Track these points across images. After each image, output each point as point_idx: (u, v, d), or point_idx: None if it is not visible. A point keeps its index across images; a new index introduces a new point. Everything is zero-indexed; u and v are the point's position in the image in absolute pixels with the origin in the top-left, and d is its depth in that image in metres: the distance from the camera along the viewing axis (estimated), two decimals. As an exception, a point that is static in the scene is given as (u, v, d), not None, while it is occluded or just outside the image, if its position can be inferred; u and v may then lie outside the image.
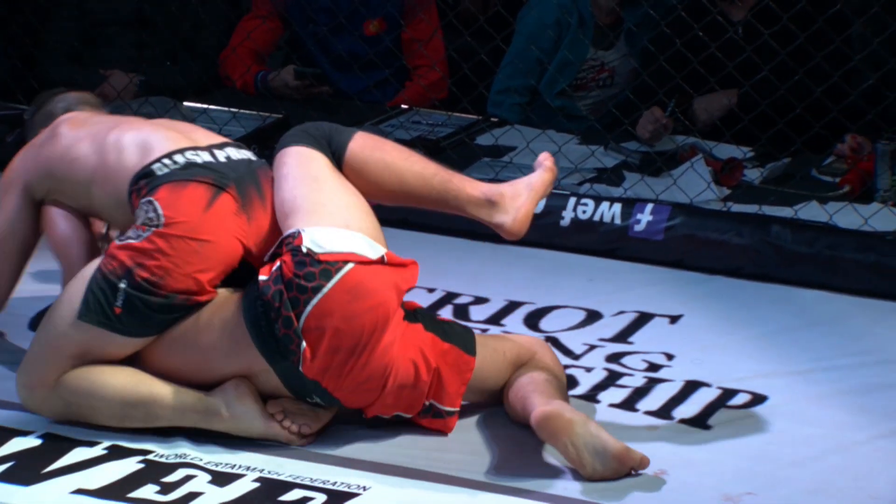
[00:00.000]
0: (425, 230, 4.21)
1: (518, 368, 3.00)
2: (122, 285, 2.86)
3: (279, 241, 2.89)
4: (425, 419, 2.96)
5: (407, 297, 2.96)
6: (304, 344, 2.82)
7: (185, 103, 4.71)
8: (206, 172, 2.95)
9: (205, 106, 4.69)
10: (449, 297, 3.76)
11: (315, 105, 4.81)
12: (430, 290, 3.78)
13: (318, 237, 2.83)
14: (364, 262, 2.83)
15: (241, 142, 4.43)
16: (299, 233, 2.85)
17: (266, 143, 4.48)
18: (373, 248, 2.87)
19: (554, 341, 3.46)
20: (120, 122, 3.18)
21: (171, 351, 2.92)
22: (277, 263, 2.84)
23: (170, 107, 4.60)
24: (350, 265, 2.82)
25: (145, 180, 2.96)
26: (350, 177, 3.00)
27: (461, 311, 3.68)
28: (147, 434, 2.93)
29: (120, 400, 2.90)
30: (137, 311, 2.87)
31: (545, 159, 3.13)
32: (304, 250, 2.81)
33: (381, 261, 2.86)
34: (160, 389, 2.90)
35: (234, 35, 4.98)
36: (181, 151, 2.99)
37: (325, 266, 2.81)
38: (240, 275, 2.95)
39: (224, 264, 2.92)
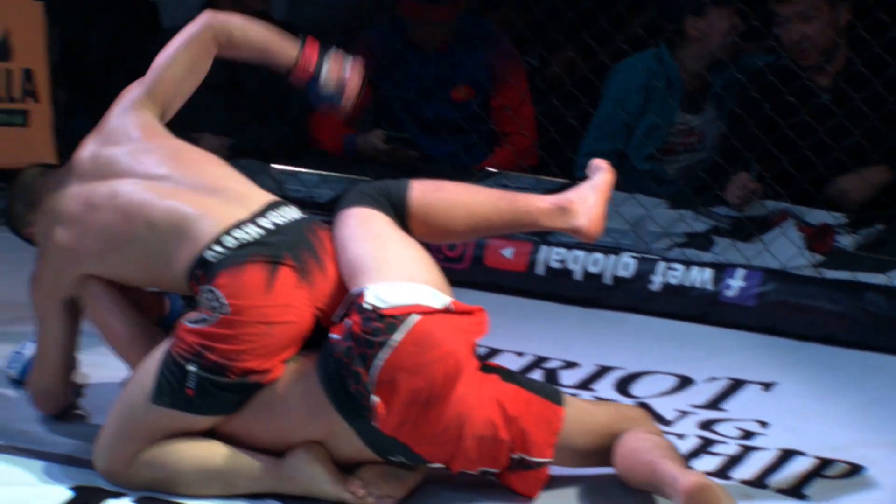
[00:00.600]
0: (513, 293, 4.22)
1: (617, 434, 2.94)
2: (192, 368, 2.87)
3: (346, 300, 2.88)
4: (515, 475, 2.91)
5: (496, 361, 2.95)
6: (375, 398, 2.81)
7: (275, 166, 4.74)
8: (259, 249, 2.91)
9: (294, 168, 4.71)
10: (538, 362, 3.75)
11: (403, 168, 4.82)
12: (520, 354, 3.76)
13: (382, 292, 2.82)
14: (429, 312, 2.82)
15: (331, 203, 4.54)
16: (363, 290, 2.84)
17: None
18: (437, 298, 2.85)
19: (645, 407, 3.43)
20: (120, 189, 3.07)
21: (249, 419, 2.92)
22: (346, 321, 2.83)
23: (259, 169, 4.63)
24: (415, 317, 2.81)
25: (201, 270, 2.92)
26: (418, 227, 3.00)
27: (551, 376, 3.66)
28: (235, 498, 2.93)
29: (196, 471, 2.91)
30: (210, 392, 2.88)
31: (600, 163, 3.17)
32: (369, 307, 2.81)
33: (446, 310, 2.85)
34: (236, 459, 2.91)
35: (322, 99, 5.00)
36: (228, 232, 2.93)
37: (390, 320, 2.80)
38: (313, 336, 2.96)
39: (294, 339, 2.92)
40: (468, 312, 2.89)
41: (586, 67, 4.66)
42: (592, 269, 4.19)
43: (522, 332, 3.93)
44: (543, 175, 4.74)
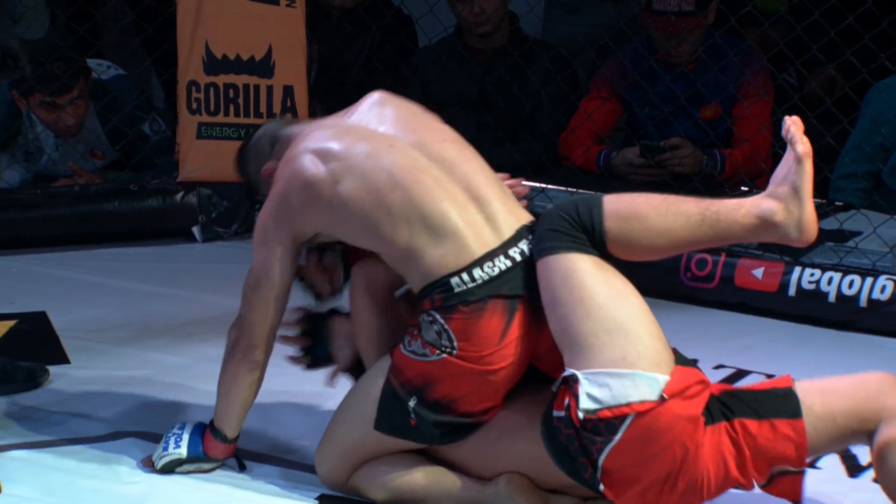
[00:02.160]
0: (763, 314, 4.13)
1: (870, 413, 2.74)
2: (412, 403, 2.87)
3: (561, 378, 2.79)
4: (775, 485, 2.79)
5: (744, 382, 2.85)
6: (601, 486, 2.76)
7: (524, 182, 4.73)
8: (502, 285, 2.84)
9: (543, 185, 4.71)
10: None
11: (653, 185, 4.77)
12: (769, 377, 3.66)
13: (594, 391, 2.72)
14: (645, 410, 2.71)
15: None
16: (577, 380, 2.74)
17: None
18: (651, 387, 2.71)
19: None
20: (385, 151, 2.92)
21: (463, 449, 2.93)
22: (566, 402, 2.76)
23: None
24: (631, 417, 2.71)
25: (441, 293, 2.85)
26: (618, 252, 2.85)
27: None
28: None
29: (404, 487, 2.94)
30: (429, 425, 2.89)
31: (794, 137, 2.87)
32: (581, 416, 2.72)
33: (661, 400, 2.72)
34: (442, 479, 2.93)
35: (574, 116, 5.00)
36: (481, 264, 2.84)
37: (607, 421, 2.72)
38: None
39: (513, 380, 2.88)
40: (685, 389, 2.75)
41: (846, 86, 4.53)
42: (847, 292, 4.07)
43: (772, 354, 3.85)
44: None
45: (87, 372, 3.64)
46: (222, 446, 3.08)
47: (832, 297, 4.08)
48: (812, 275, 4.12)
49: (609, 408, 2.70)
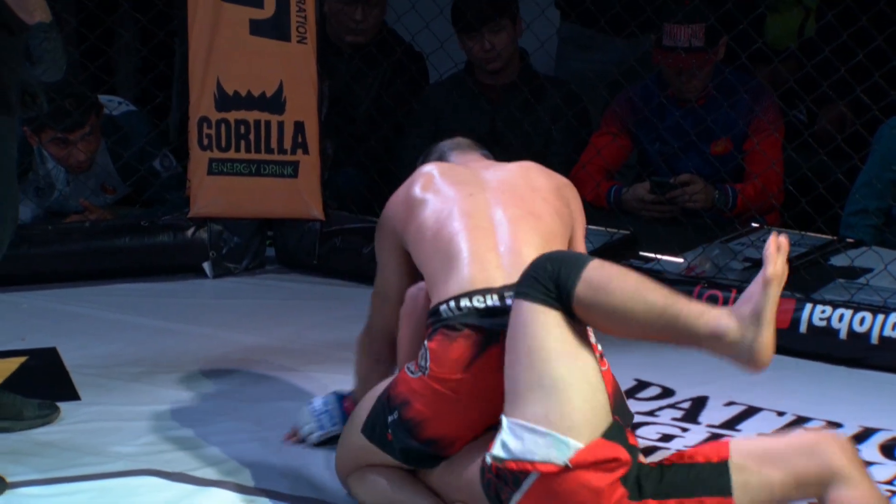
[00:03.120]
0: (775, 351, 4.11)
1: (812, 478, 2.70)
2: (391, 418, 2.95)
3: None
4: None
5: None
6: None
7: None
8: (483, 321, 2.89)
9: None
10: (799, 421, 3.64)
11: (663, 221, 4.78)
12: (780, 414, 3.67)
13: (509, 440, 2.72)
14: (549, 473, 2.70)
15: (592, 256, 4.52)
16: (502, 423, 2.76)
17: (614, 259, 4.48)
18: (560, 451, 2.70)
19: (912, 472, 3.32)
20: (463, 199, 3.10)
21: (437, 474, 3.00)
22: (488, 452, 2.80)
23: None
24: (534, 475, 2.72)
25: (432, 319, 2.96)
26: (581, 316, 2.80)
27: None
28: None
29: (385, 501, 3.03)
30: (403, 443, 2.95)
31: (768, 257, 2.78)
32: (489, 461, 2.75)
33: (565, 467, 2.70)
34: (419, 500, 2.99)
35: (584, 152, 5.01)
36: (470, 297, 2.92)
37: (514, 473, 2.73)
38: None
39: (477, 421, 2.92)
40: (597, 461, 2.71)
41: (857, 123, 4.54)
42: (858, 329, 4.06)
43: (783, 390, 3.83)
44: (810, 232, 4.64)
45: (98, 408, 3.64)
46: None
47: (843, 334, 4.07)
48: (823, 311, 4.11)
49: (515, 460, 2.71)
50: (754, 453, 2.76)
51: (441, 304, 2.95)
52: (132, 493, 3.16)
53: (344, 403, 3.41)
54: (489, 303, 2.91)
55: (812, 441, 2.75)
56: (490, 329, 2.89)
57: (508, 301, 2.88)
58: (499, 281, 2.94)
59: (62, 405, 3.60)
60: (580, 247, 3.28)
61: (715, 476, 2.75)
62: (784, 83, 5.06)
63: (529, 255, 2.94)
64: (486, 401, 2.88)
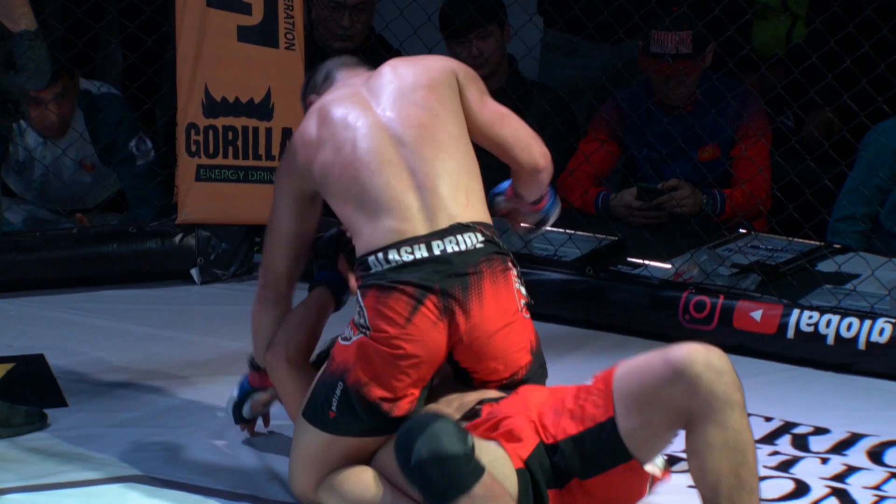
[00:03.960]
0: (762, 357, 4.13)
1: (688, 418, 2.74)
2: (338, 390, 2.96)
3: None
4: None
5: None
6: None
7: (522, 224, 4.74)
8: (414, 274, 2.92)
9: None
10: (787, 427, 3.65)
11: (651, 227, 4.78)
12: (767, 419, 3.67)
13: None
14: None
15: (577, 262, 4.53)
16: None
17: (601, 265, 4.50)
18: None
19: (899, 477, 3.33)
20: (360, 127, 3.06)
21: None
22: None
23: (507, 228, 4.63)
24: None
25: (361, 271, 2.99)
26: None
27: (800, 441, 3.56)
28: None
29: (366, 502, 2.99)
30: (350, 414, 2.96)
31: None
32: None
33: None
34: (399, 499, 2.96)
35: (572, 158, 5.01)
36: (398, 247, 2.94)
37: None
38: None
39: (423, 375, 2.96)
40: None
41: (843, 129, 4.55)
42: (845, 334, 4.06)
43: (771, 396, 3.84)
44: (797, 238, 4.64)
45: (86, 415, 3.63)
46: (258, 375, 3.37)
47: (831, 340, 4.08)
48: (811, 317, 4.12)
49: None
50: (632, 396, 2.79)
51: (368, 255, 2.97)
52: (119, 499, 3.16)
53: (249, 375, 3.43)
54: (417, 255, 2.95)
55: (678, 366, 2.72)
56: (420, 284, 2.93)
57: (436, 250, 2.94)
58: (422, 228, 2.97)
59: (49, 412, 3.59)
60: (486, 105, 3.26)
61: (609, 442, 2.80)
62: (771, 90, 5.06)
63: (445, 190, 3.00)
64: (431, 354, 2.94)
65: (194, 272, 4.85)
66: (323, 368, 3.05)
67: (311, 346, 3.25)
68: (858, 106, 4.40)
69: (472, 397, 3.03)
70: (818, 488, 3.28)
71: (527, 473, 2.84)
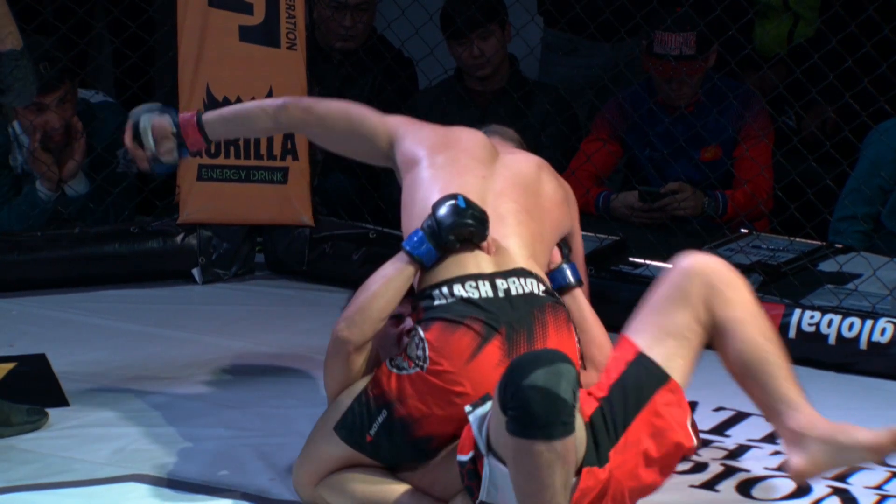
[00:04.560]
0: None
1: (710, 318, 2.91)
2: (381, 417, 2.91)
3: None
4: None
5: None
6: None
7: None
8: (480, 313, 2.89)
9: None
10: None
11: (652, 227, 4.78)
12: (769, 419, 3.67)
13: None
14: None
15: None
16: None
17: (602, 265, 4.49)
18: None
19: (900, 477, 3.33)
20: (471, 178, 3.12)
21: (424, 472, 2.98)
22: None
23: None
24: None
25: (423, 303, 2.94)
26: None
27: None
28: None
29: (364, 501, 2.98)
30: (390, 443, 2.93)
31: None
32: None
33: None
34: (408, 499, 2.95)
35: (574, 158, 5.01)
36: (463, 281, 2.92)
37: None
38: None
39: None
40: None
41: (846, 129, 4.55)
42: (847, 334, 4.06)
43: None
44: (799, 237, 4.64)
45: (87, 414, 3.63)
46: (199, 139, 3.41)
47: (832, 340, 4.07)
48: (812, 317, 4.12)
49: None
50: (650, 332, 2.91)
51: (432, 287, 2.93)
52: (121, 499, 3.16)
53: (193, 120, 3.40)
54: (483, 292, 2.92)
55: (690, 267, 2.95)
56: (489, 324, 2.89)
57: (500, 291, 2.91)
58: (487, 267, 2.96)
59: (51, 411, 3.59)
60: (577, 247, 3.37)
61: (644, 373, 2.86)
62: (773, 89, 5.06)
63: (514, 246, 2.99)
64: (483, 394, 2.87)
65: (196, 272, 4.86)
66: (364, 389, 2.97)
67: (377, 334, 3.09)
68: (860, 106, 4.40)
69: None
70: (820, 488, 3.28)
71: (591, 429, 2.81)
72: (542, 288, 2.98)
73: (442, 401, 2.87)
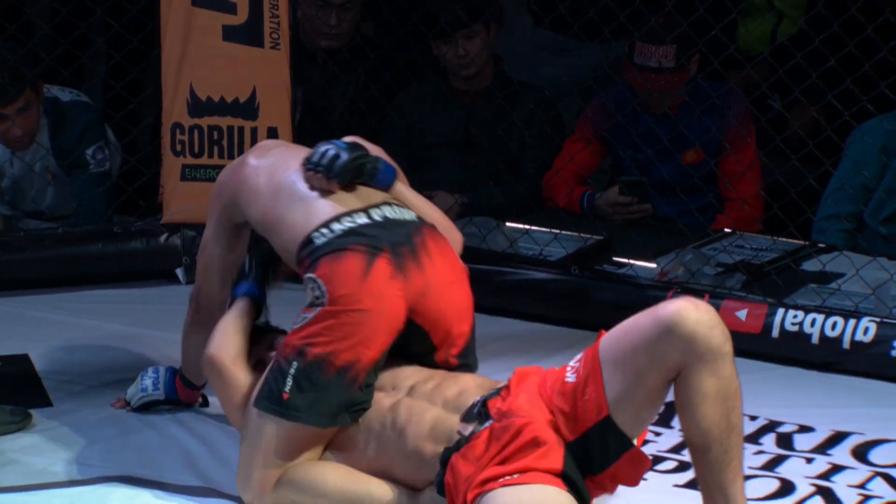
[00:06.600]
0: (747, 356, 4.12)
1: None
2: (292, 370, 2.95)
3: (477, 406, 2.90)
4: None
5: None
6: None
7: (508, 224, 4.75)
8: (361, 238, 3.02)
9: (527, 227, 4.72)
10: (772, 426, 3.66)
11: (636, 226, 4.79)
12: (753, 418, 3.68)
13: None
14: None
15: (563, 262, 4.53)
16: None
17: (586, 264, 4.50)
18: None
19: (885, 476, 3.34)
20: (297, 157, 3.22)
21: (379, 454, 2.99)
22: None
23: (493, 227, 4.65)
24: None
25: (306, 251, 3.04)
26: None
27: (784, 440, 3.58)
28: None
29: (338, 497, 2.97)
30: (310, 390, 2.95)
31: None
32: None
33: None
34: (374, 487, 2.97)
35: (558, 158, 5.01)
36: (339, 218, 3.05)
37: None
38: (406, 335, 3.04)
39: (387, 332, 2.99)
40: None
41: (829, 128, 4.56)
42: (830, 333, 4.07)
43: (756, 395, 3.80)
44: (782, 237, 4.65)
45: (70, 415, 3.63)
46: (190, 392, 3.57)
47: (815, 339, 4.08)
48: (795, 316, 4.13)
49: None
50: (624, 362, 2.76)
51: (311, 233, 3.04)
52: (104, 499, 3.16)
53: (176, 379, 3.55)
54: (359, 221, 3.06)
55: (670, 324, 2.70)
56: (372, 245, 3.01)
57: (377, 217, 3.06)
58: (358, 204, 3.10)
59: (34, 411, 3.58)
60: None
61: (611, 439, 2.79)
62: (756, 88, 5.06)
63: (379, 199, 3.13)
64: (391, 311, 2.98)
65: (179, 272, 4.85)
66: (270, 366, 3.03)
67: (245, 350, 3.21)
68: (843, 105, 4.41)
69: (469, 391, 2.97)
70: (803, 487, 3.29)
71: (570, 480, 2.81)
72: (412, 214, 3.14)
73: (347, 324, 2.94)
